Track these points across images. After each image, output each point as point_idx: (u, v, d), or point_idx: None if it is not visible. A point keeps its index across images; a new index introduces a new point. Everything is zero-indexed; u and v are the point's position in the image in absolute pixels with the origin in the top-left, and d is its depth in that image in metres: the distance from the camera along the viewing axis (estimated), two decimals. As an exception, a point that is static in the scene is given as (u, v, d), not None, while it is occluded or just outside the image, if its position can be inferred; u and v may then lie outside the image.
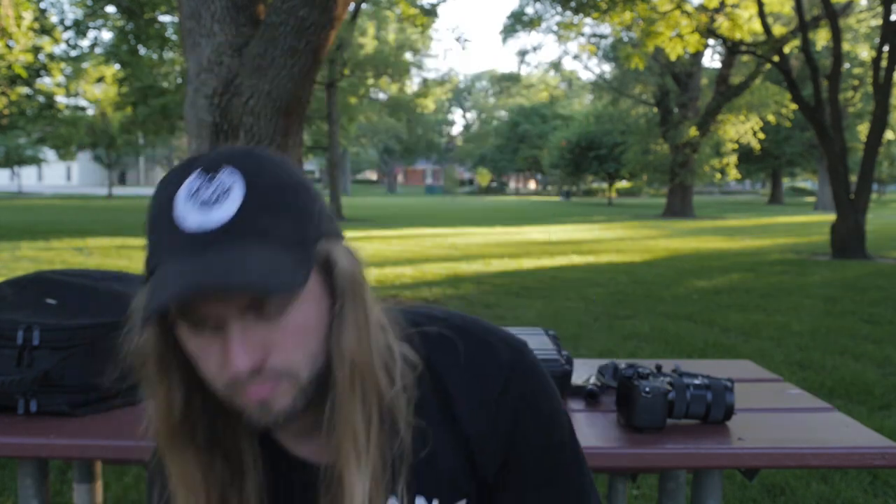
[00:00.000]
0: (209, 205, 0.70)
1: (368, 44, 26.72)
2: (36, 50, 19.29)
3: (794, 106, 18.39)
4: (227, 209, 0.70)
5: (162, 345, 0.76)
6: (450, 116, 77.86)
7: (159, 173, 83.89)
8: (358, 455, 0.76)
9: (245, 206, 0.70)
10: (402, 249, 12.84)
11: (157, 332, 0.76)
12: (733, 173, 29.81)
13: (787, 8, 15.62)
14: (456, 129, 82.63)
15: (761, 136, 27.26)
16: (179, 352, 0.76)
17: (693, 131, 24.80)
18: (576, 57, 51.56)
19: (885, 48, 11.09)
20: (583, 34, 29.88)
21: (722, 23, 14.54)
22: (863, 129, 24.44)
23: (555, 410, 0.87)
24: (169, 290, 0.67)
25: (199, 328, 0.71)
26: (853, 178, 12.61)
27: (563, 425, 0.88)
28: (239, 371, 0.69)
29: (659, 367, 1.56)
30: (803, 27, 11.72)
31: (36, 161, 46.09)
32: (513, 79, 63.86)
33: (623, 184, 46.66)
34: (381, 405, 0.79)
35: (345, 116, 25.74)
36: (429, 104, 34.67)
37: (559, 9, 20.82)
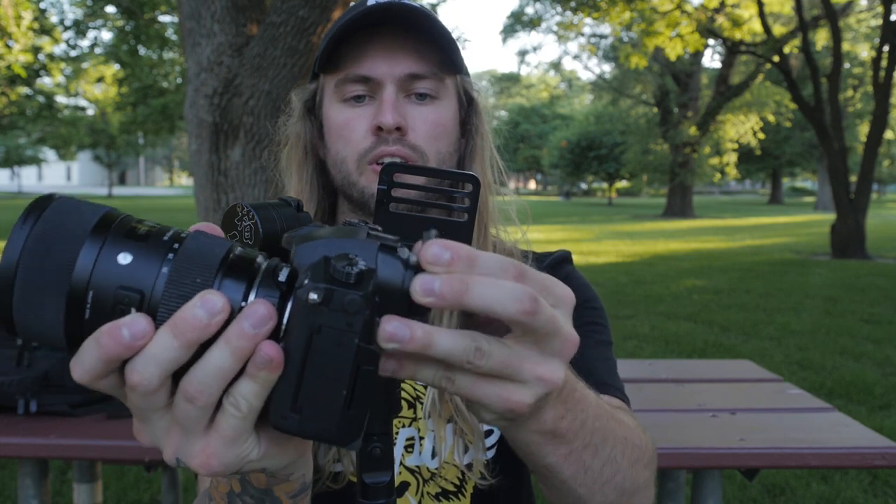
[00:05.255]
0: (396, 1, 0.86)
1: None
2: (36, 50, 19.27)
3: (793, 106, 18.39)
4: (412, 4, 0.86)
5: (308, 130, 0.94)
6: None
7: (159, 173, 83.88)
8: None
9: (423, 9, 0.86)
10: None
11: (305, 120, 0.93)
12: (733, 173, 29.82)
13: (787, 8, 15.62)
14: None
15: (761, 135, 27.26)
16: (313, 145, 0.94)
17: (693, 131, 24.79)
18: (576, 57, 51.48)
19: (885, 48, 11.08)
20: (583, 34, 29.93)
21: (722, 23, 14.54)
22: (863, 129, 24.44)
23: (593, 297, 0.98)
24: (361, 9, 0.84)
25: (355, 101, 0.87)
26: (853, 178, 12.61)
27: (598, 309, 0.97)
28: (387, 122, 0.83)
29: None
30: (803, 27, 11.72)
31: (36, 161, 46.09)
32: (513, 79, 63.86)
33: (623, 184, 46.64)
34: (496, 249, 0.93)
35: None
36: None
37: (559, 9, 20.82)
